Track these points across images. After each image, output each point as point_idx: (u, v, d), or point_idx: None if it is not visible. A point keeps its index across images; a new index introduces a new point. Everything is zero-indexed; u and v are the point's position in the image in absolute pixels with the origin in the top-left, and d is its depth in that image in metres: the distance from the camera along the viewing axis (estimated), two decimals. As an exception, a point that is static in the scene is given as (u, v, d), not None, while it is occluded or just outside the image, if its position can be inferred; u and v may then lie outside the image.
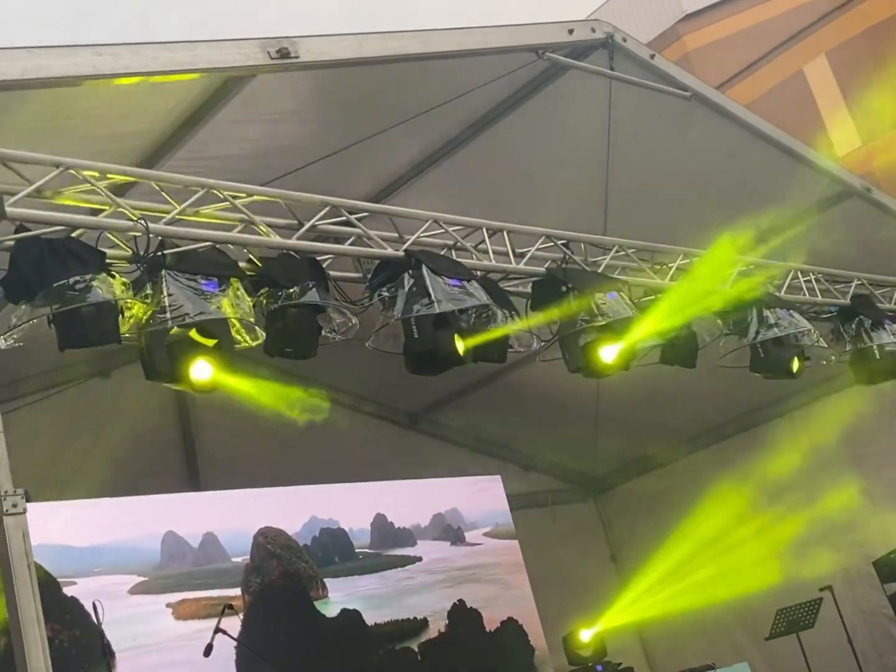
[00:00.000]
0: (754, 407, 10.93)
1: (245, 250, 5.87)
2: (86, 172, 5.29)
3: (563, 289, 6.93)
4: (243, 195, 5.87)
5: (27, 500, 4.24)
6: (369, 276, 6.39)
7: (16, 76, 4.79)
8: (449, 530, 10.48)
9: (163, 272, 5.30)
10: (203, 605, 8.36)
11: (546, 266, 7.13)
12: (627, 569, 11.51)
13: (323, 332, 6.14)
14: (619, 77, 7.18)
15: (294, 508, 9.38)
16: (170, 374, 5.47)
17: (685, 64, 14.69)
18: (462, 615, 9.91)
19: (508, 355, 6.93)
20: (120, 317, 5.17)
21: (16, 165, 5.06)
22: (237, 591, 8.65)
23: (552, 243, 7.22)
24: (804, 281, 8.57)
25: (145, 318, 5.28)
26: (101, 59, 5.04)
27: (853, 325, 8.74)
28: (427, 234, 6.60)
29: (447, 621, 9.76)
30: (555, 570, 10.98)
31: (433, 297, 6.06)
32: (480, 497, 10.77)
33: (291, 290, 5.82)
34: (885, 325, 8.81)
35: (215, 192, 5.75)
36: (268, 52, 5.57)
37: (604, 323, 6.94)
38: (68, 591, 7.74)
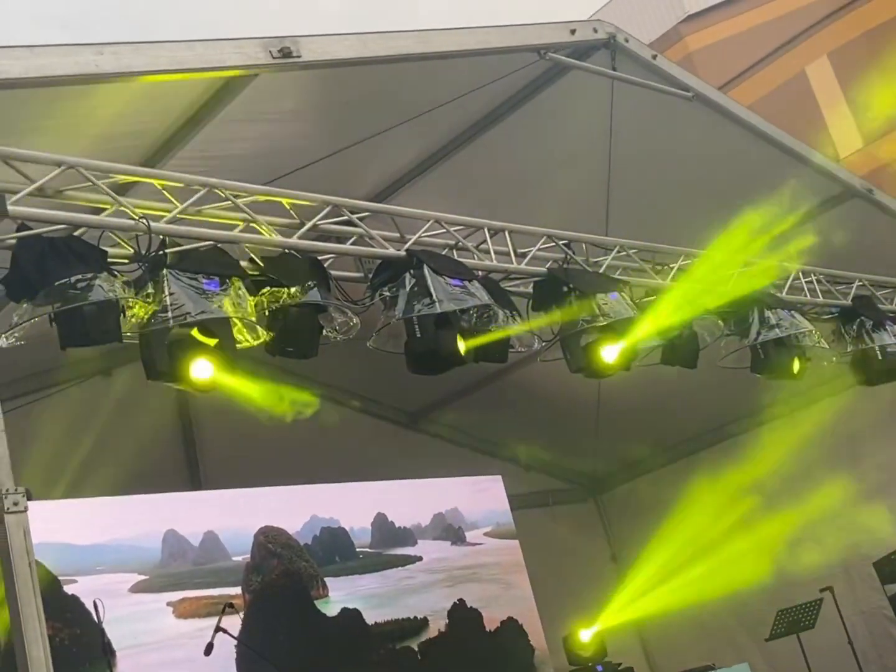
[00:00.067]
0: (755, 408, 10.93)
1: (247, 249, 5.87)
2: (87, 171, 5.29)
3: (565, 289, 6.94)
4: (245, 194, 5.88)
5: (28, 499, 4.25)
6: (370, 275, 6.39)
7: (18, 75, 4.79)
8: (449, 530, 10.49)
9: (164, 271, 5.30)
10: (204, 603, 8.37)
11: (547, 266, 7.13)
12: (628, 569, 11.51)
13: (324, 332, 6.14)
14: (621, 77, 7.18)
15: (295, 507, 9.39)
16: (170, 374, 5.47)
17: (687, 65, 14.68)
18: (462, 615, 9.92)
19: (510, 355, 6.93)
20: (121, 316, 5.17)
21: (18, 164, 5.06)
22: (238, 590, 8.65)
23: (553, 243, 7.22)
24: (805, 282, 8.58)
25: (147, 317, 5.28)
26: (103, 59, 5.04)
27: (854, 326, 8.74)
28: (428, 233, 6.61)
29: (447, 621, 9.76)
30: (555, 570, 10.98)
31: (434, 296, 6.06)
32: (481, 497, 10.77)
33: (293, 290, 5.82)
34: (887, 326, 8.81)
35: (217, 191, 5.76)
36: (269, 52, 5.58)
37: (605, 323, 6.95)
38: (69, 589, 7.75)
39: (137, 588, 8.21)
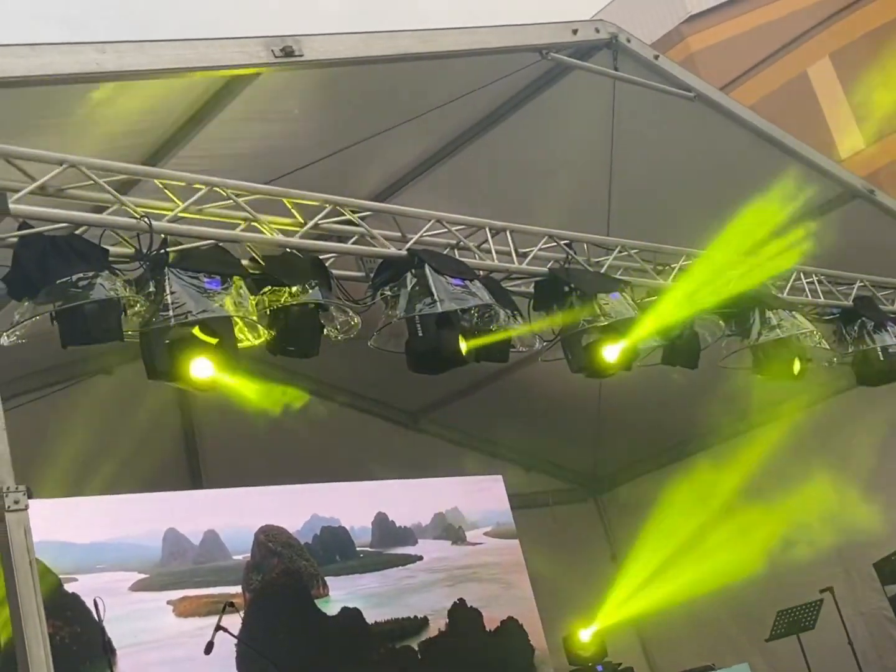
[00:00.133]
0: (755, 409, 10.92)
1: (248, 248, 5.87)
2: (89, 170, 5.29)
3: (566, 289, 6.93)
4: (246, 193, 5.87)
5: (29, 497, 4.24)
6: (372, 275, 6.39)
7: (20, 73, 4.79)
8: (450, 529, 10.49)
9: (166, 270, 5.30)
10: (204, 602, 8.37)
11: (549, 266, 7.13)
12: (626, 565, 11.50)
13: (325, 331, 6.14)
14: (623, 77, 7.18)
15: (295, 507, 9.39)
16: (170, 373, 5.47)
17: (689, 65, 14.69)
18: (462, 614, 9.92)
19: (511, 355, 6.93)
20: (122, 314, 5.17)
21: (19, 162, 5.06)
22: (238, 589, 8.66)
23: (555, 243, 7.22)
24: (807, 282, 8.57)
25: (148, 315, 5.28)
26: (105, 57, 5.04)
27: (855, 327, 8.74)
28: (430, 233, 6.60)
29: (447, 620, 9.77)
30: (555, 570, 10.97)
31: (436, 296, 6.05)
32: (481, 496, 10.77)
33: (294, 289, 5.83)
34: (888, 327, 8.81)
35: (218, 190, 5.75)
36: (272, 51, 5.58)
37: (606, 323, 6.95)
38: (70, 587, 7.75)
39: (138, 587, 8.21)
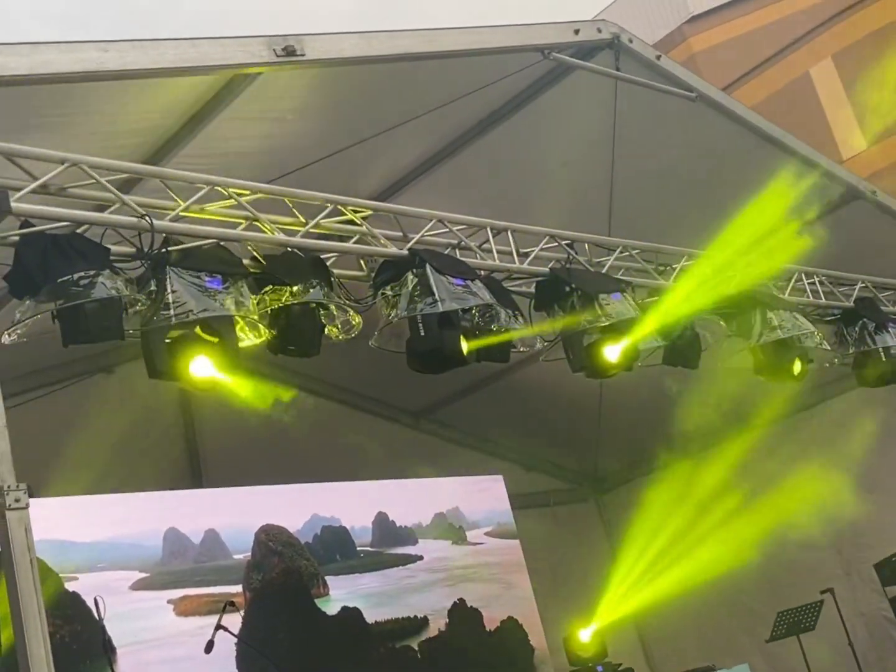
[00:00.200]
0: (755, 409, 10.92)
1: (249, 248, 5.87)
2: (91, 168, 5.29)
3: (567, 289, 6.93)
4: (248, 192, 5.88)
5: (30, 496, 4.25)
6: (373, 274, 6.39)
7: (22, 72, 4.80)
8: (450, 529, 10.49)
9: (167, 269, 5.30)
10: (204, 601, 8.38)
11: (550, 266, 7.12)
12: (625, 563, 11.50)
13: (326, 331, 6.14)
14: (625, 77, 7.18)
15: (296, 506, 9.39)
16: (171, 372, 5.47)
17: (691, 65, 14.71)
18: (462, 614, 9.92)
19: (512, 355, 6.93)
20: (124, 313, 5.18)
21: (21, 161, 5.06)
22: (238, 588, 8.66)
23: (556, 243, 7.22)
24: (808, 283, 8.57)
25: (149, 314, 5.28)
26: (107, 56, 5.04)
27: (856, 328, 8.73)
28: (431, 233, 6.60)
29: (447, 620, 9.77)
30: (556, 570, 10.98)
31: (437, 295, 6.05)
32: (482, 496, 10.78)
33: (295, 288, 5.83)
34: (889, 328, 8.80)
35: (220, 189, 5.76)
36: (273, 50, 5.58)
37: (607, 323, 6.94)
38: (70, 586, 7.76)
39: (138, 585, 8.22)
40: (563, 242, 7.23)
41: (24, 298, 5.00)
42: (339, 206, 6.22)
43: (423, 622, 9.62)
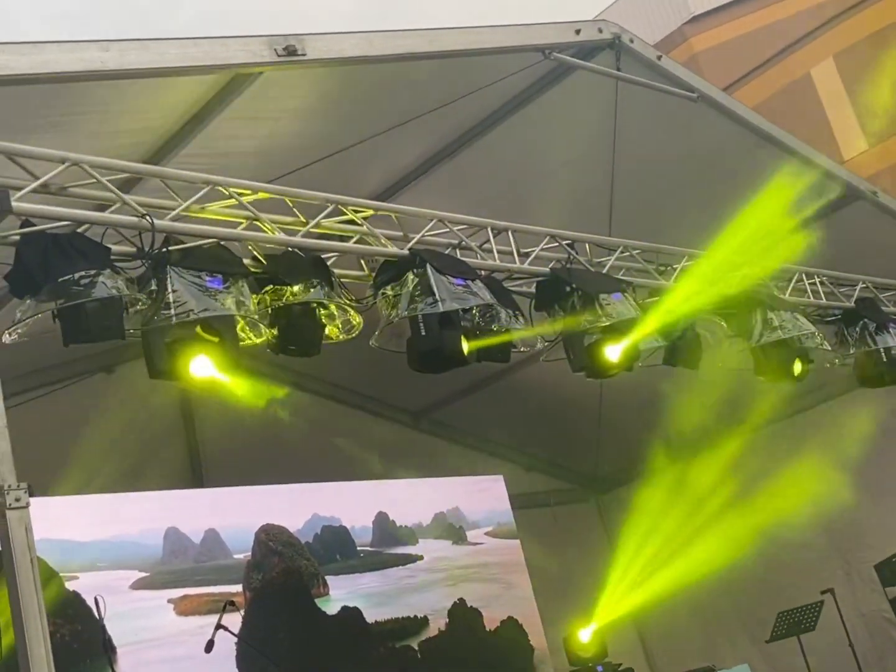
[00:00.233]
0: (756, 410, 10.92)
1: (250, 247, 5.87)
2: (92, 168, 5.29)
3: (568, 289, 6.93)
4: (248, 192, 5.88)
5: (30, 495, 4.25)
6: (373, 274, 6.39)
7: (23, 71, 4.80)
8: (451, 529, 10.49)
9: (167, 268, 5.30)
10: (204, 601, 8.38)
11: (550, 266, 7.12)
12: (624, 561, 11.50)
13: (327, 330, 6.14)
14: (626, 78, 7.18)
15: (296, 506, 9.40)
16: (172, 372, 5.47)
17: (692, 66, 14.69)
18: (462, 614, 9.92)
19: (512, 355, 6.93)
20: (124, 313, 5.18)
21: (22, 160, 5.06)
22: (238, 588, 8.66)
23: (557, 243, 7.22)
24: (809, 283, 8.56)
25: (150, 314, 5.28)
26: (109, 55, 5.04)
27: (857, 329, 8.73)
28: (432, 233, 6.60)
29: (447, 620, 9.77)
30: (556, 570, 10.97)
31: (437, 295, 6.05)
32: (482, 496, 10.78)
33: (296, 288, 5.83)
34: (890, 329, 8.80)
35: (221, 188, 5.76)
36: (274, 50, 5.58)
37: (608, 323, 6.94)
38: (70, 585, 7.76)
39: (138, 585, 8.22)
40: (564, 242, 7.23)
41: (25, 298, 5.00)
42: (340, 206, 6.22)
43: (423, 622, 9.62)
